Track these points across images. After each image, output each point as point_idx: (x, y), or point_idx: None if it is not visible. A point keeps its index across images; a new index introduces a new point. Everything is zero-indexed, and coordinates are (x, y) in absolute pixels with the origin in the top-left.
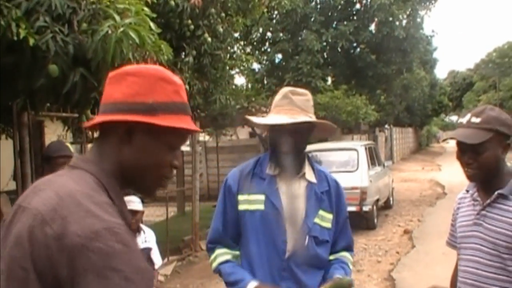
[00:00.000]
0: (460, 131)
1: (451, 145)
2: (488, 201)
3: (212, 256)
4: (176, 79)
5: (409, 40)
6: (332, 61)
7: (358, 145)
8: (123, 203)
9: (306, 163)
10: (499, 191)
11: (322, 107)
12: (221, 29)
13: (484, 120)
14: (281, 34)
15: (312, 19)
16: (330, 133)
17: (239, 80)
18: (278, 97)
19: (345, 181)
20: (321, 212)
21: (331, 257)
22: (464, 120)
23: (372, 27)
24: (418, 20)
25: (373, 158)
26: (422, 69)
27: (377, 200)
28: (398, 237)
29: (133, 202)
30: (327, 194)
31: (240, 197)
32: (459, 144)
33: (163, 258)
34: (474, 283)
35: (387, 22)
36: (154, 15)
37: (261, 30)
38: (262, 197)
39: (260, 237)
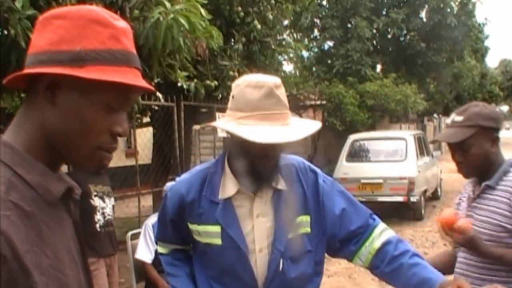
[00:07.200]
0: (444, 131)
1: (502, 135)
2: (477, 192)
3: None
4: (118, 22)
5: (460, 28)
6: (382, 48)
7: (407, 134)
8: (46, 176)
9: None
10: (486, 183)
11: (371, 96)
12: (270, 16)
13: (466, 117)
14: (330, 21)
15: (362, 6)
16: None
17: (288, 68)
18: (256, 93)
19: (392, 170)
20: (297, 220)
21: (376, 245)
22: (449, 120)
23: (423, 14)
24: (470, 7)
25: (422, 148)
26: (473, 57)
27: (425, 191)
28: None
29: None
30: (302, 195)
31: (190, 226)
32: (448, 144)
33: None
34: (469, 273)
35: (439, 9)
36: (205, 1)
37: (310, 16)
38: (217, 228)
39: (223, 273)
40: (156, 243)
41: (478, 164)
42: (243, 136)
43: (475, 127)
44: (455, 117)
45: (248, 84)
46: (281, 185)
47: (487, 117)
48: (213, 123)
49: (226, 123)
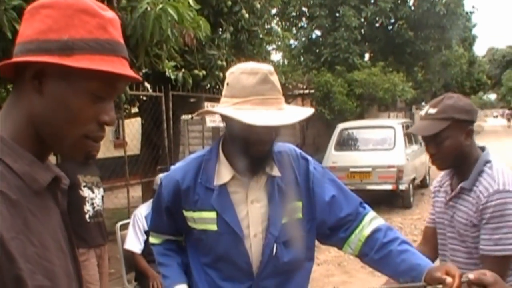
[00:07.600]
0: (418, 124)
1: (489, 124)
2: (453, 193)
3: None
4: (105, 12)
5: (448, 16)
6: (370, 37)
7: (395, 123)
8: (33, 166)
9: None
10: (462, 185)
11: (359, 84)
12: (258, 5)
13: (440, 110)
14: (318, 10)
15: None
16: None
17: (276, 57)
18: (251, 79)
19: (381, 159)
20: (290, 206)
21: (365, 232)
22: (423, 112)
23: (411, 2)
24: None
25: (410, 136)
26: (461, 46)
27: (414, 179)
28: None
29: None
30: (294, 182)
31: (186, 213)
32: (422, 137)
33: None
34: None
35: None
36: None
37: (297, 5)
38: (212, 214)
39: (218, 259)
40: (148, 233)
41: (452, 156)
42: (242, 119)
43: (449, 120)
44: (429, 109)
45: (243, 71)
46: (275, 171)
47: (461, 109)
48: (211, 108)
49: (223, 109)
